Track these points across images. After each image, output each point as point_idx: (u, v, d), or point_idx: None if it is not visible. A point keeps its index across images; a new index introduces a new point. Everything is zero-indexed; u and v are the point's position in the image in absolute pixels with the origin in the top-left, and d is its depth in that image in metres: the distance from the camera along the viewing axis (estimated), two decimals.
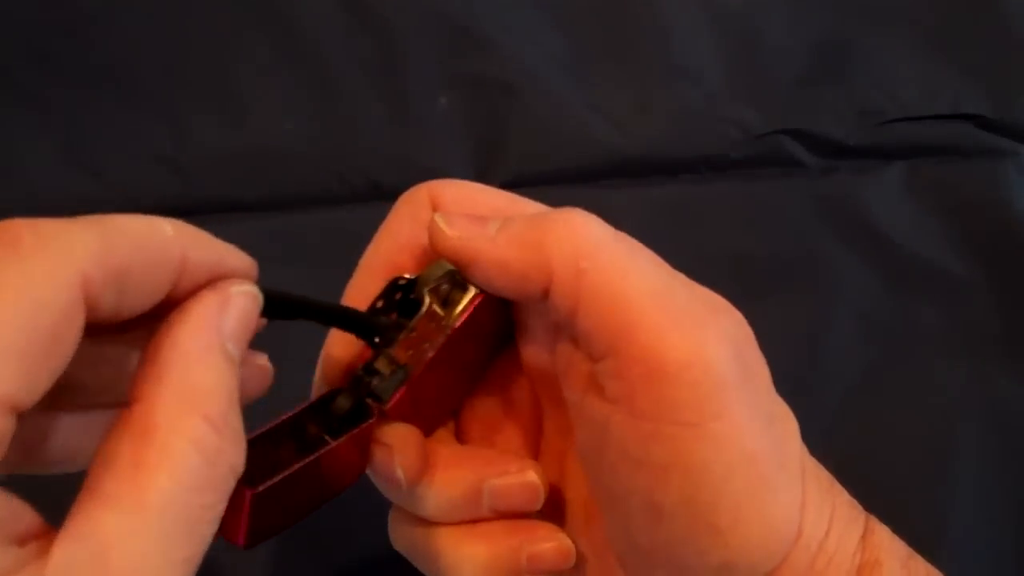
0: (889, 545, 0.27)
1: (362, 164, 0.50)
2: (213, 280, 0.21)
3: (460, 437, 0.31)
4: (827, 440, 0.45)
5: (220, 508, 0.20)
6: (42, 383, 0.18)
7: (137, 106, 0.50)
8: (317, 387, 0.29)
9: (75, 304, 0.18)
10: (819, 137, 0.51)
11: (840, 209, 0.49)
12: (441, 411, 0.30)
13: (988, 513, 0.44)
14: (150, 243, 0.20)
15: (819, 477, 0.27)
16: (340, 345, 0.28)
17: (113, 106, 0.50)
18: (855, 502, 0.28)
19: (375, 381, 0.27)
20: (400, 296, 0.28)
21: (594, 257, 0.25)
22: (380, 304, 0.27)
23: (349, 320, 0.27)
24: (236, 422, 0.20)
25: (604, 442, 0.25)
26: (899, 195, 0.50)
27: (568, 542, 0.28)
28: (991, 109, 0.51)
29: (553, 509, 0.29)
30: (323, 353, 0.29)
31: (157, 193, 0.49)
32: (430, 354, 0.27)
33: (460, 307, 0.27)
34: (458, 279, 0.28)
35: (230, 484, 0.20)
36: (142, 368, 0.20)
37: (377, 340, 0.27)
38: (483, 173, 0.49)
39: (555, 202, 0.49)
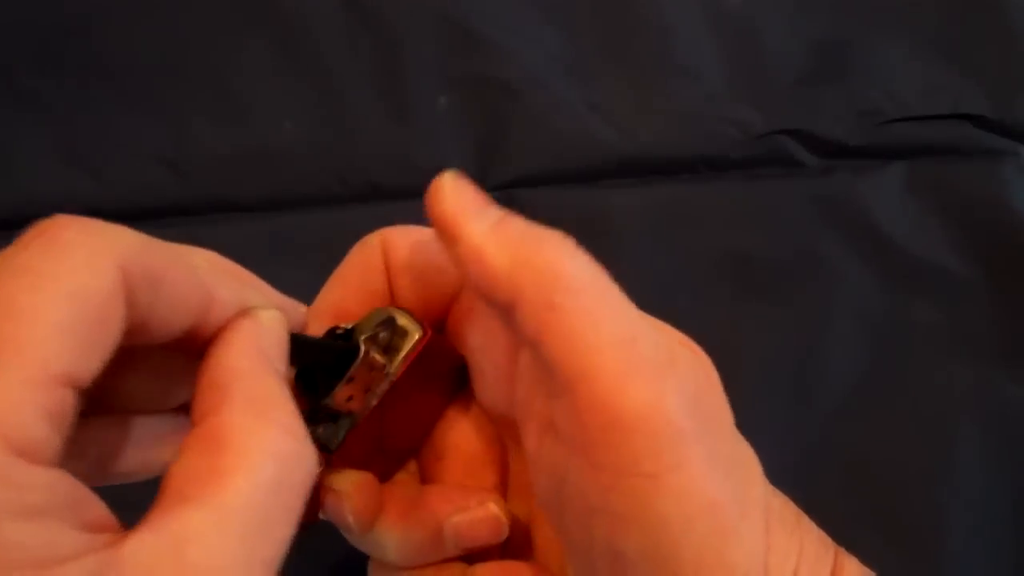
0: None
1: (362, 164, 0.50)
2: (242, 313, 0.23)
3: (424, 478, 0.30)
4: (827, 440, 0.45)
5: (297, 512, 0.20)
6: (93, 363, 0.19)
7: (137, 106, 0.50)
8: None
9: (116, 292, 0.19)
10: (819, 137, 0.51)
11: (840, 209, 0.49)
12: (399, 455, 0.30)
13: (988, 513, 0.44)
14: (181, 261, 0.21)
15: (784, 516, 0.26)
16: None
17: (113, 106, 0.50)
18: (825, 537, 0.27)
19: (320, 430, 0.27)
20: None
21: (569, 295, 0.24)
22: None
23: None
24: (303, 429, 0.21)
25: (563, 490, 0.25)
26: (899, 195, 0.50)
27: None
28: (991, 109, 0.51)
29: (525, 545, 0.29)
30: None
31: (157, 193, 0.49)
32: (374, 401, 0.27)
33: (402, 353, 0.27)
34: (397, 325, 0.27)
35: (307, 487, 0.20)
36: (202, 389, 0.21)
37: (319, 390, 0.27)
38: (483, 173, 0.49)
39: (555, 202, 0.50)
